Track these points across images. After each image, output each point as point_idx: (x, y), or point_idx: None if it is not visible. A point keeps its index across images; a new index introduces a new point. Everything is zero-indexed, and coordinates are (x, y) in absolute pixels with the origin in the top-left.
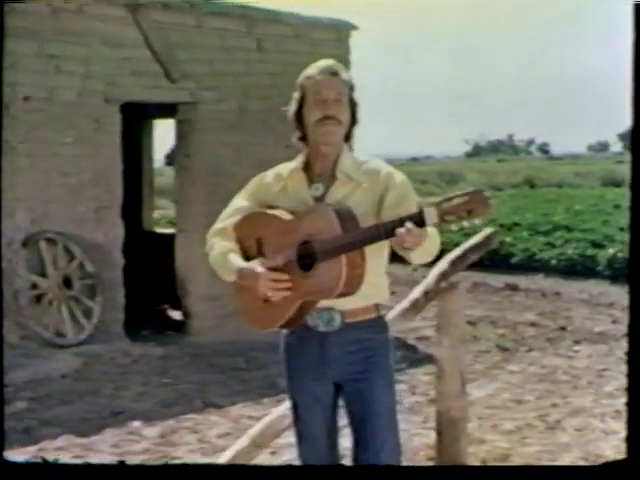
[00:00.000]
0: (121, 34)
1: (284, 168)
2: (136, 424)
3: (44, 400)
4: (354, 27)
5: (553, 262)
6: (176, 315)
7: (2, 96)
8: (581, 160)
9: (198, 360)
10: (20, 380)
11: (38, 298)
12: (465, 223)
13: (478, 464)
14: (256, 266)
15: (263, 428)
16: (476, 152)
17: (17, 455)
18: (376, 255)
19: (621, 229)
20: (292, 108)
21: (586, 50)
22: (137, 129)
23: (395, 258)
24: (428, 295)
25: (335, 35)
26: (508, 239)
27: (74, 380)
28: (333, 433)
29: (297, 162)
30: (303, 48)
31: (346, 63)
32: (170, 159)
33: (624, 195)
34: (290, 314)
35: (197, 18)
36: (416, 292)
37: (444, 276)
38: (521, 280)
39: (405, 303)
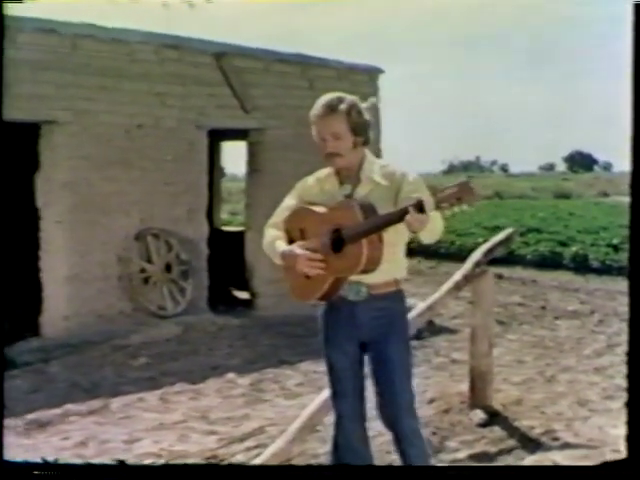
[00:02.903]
0: (209, 76)
1: (322, 173)
2: (231, 375)
3: (157, 357)
4: (382, 71)
5: (529, 257)
6: (240, 294)
7: (2, 97)
8: (534, 178)
9: (268, 329)
10: (137, 342)
11: (146, 280)
12: (456, 209)
13: (499, 407)
14: (295, 249)
15: None
16: (450, 170)
17: (149, 396)
18: (395, 239)
19: (579, 231)
20: (313, 133)
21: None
22: (211, 149)
23: (420, 254)
24: (467, 278)
25: (368, 77)
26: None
27: (177, 343)
28: (361, 389)
29: (331, 168)
30: (344, 87)
31: (376, 98)
32: None
33: (574, 205)
34: (326, 288)
35: (265, 64)
36: (457, 276)
37: (478, 264)
38: (504, 271)
39: (450, 283)
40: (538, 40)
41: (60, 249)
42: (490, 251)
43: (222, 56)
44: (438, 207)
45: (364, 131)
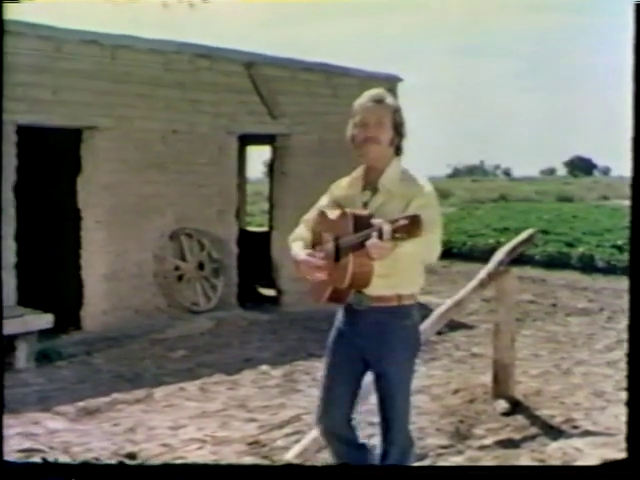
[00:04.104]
0: (239, 84)
1: (353, 175)
2: (264, 367)
3: (193, 350)
4: (400, 79)
5: (537, 257)
6: (265, 292)
7: (1, 99)
8: (536, 181)
9: (294, 324)
10: (174, 335)
11: (180, 277)
12: (407, 239)
13: (521, 397)
14: (300, 254)
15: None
16: (455, 174)
17: (189, 386)
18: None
19: (584, 233)
20: (349, 130)
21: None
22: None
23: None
24: (491, 276)
25: (387, 85)
26: (502, 239)
27: (210, 336)
28: (352, 404)
29: (359, 171)
30: None
31: None
32: None
33: (577, 208)
34: (327, 294)
35: (291, 72)
36: (482, 274)
37: (501, 263)
38: (515, 270)
39: (475, 282)
40: (540, 48)
41: (100, 248)
42: (513, 250)
43: (252, 65)
44: (394, 236)
45: (402, 135)
